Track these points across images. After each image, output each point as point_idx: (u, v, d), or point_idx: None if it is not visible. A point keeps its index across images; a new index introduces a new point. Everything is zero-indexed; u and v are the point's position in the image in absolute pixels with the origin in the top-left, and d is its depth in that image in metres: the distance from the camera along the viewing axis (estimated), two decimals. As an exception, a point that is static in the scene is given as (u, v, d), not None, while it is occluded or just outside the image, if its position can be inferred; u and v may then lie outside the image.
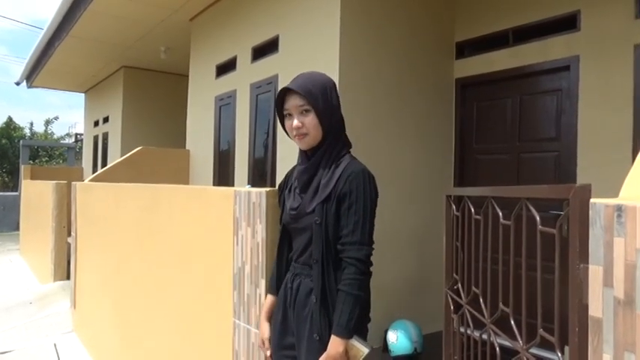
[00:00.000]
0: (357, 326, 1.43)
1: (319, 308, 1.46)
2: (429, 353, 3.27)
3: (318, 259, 1.47)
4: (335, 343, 1.40)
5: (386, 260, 3.61)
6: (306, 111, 1.49)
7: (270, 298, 1.72)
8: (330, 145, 1.52)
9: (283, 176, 1.77)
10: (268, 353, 1.68)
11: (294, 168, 1.67)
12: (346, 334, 1.40)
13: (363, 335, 1.48)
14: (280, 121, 1.60)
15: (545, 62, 3.56)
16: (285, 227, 1.64)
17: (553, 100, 3.56)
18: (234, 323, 2.10)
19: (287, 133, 1.58)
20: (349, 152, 1.57)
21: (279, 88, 1.68)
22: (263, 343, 1.70)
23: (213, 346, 2.33)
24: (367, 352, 1.41)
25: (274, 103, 1.60)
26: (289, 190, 1.63)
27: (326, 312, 1.46)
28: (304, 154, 1.58)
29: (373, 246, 1.48)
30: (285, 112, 1.55)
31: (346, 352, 1.41)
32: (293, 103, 1.50)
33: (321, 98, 1.49)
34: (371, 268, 1.47)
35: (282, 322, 1.62)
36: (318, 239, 1.46)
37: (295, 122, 1.50)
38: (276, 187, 1.78)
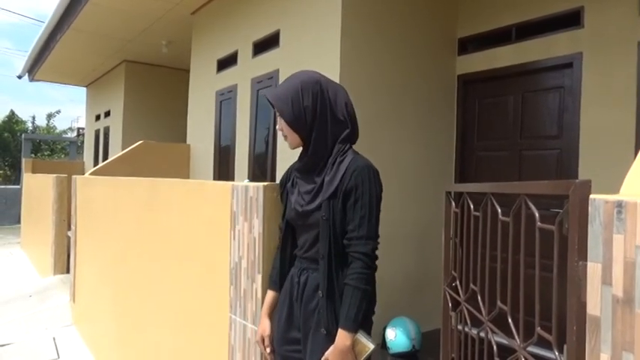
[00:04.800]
0: (363, 321, 1.44)
1: (326, 303, 1.46)
2: (428, 350, 3.26)
3: (324, 255, 1.47)
4: (342, 337, 1.40)
5: (385, 257, 3.57)
6: (280, 116, 1.55)
7: (271, 293, 1.70)
8: (316, 142, 1.51)
9: (284, 172, 1.76)
10: (268, 350, 1.66)
11: (295, 163, 1.67)
12: (354, 328, 1.41)
13: (367, 329, 1.48)
14: None
15: (547, 59, 3.53)
16: (288, 223, 1.63)
17: (555, 98, 3.53)
18: (231, 318, 2.09)
19: None
20: (351, 147, 1.56)
21: (280, 82, 1.66)
22: (262, 340, 1.67)
23: (210, 341, 2.32)
24: (373, 348, 1.42)
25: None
26: (292, 185, 1.63)
27: (332, 307, 1.46)
28: (304, 150, 1.58)
29: (378, 240, 1.48)
30: None
31: (352, 346, 1.41)
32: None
33: (291, 101, 1.50)
34: (376, 262, 1.47)
35: (287, 317, 1.60)
36: (325, 235, 1.46)
37: (277, 126, 1.58)
38: (277, 182, 1.78)
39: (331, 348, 1.42)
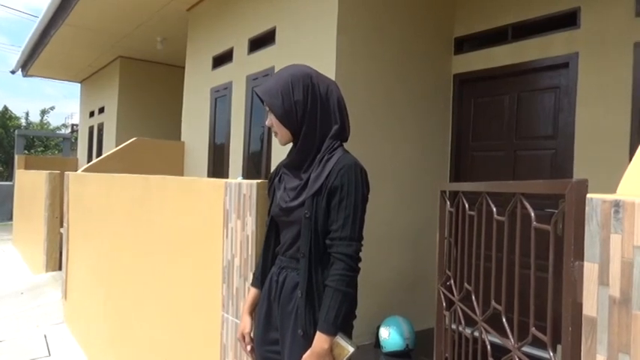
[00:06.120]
0: (343, 324, 1.40)
1: (304, 303, 1.42)
2: (421, 350, 3.25)
3: (305, 254, 1.43)
4: (320, 340, 1.36)
5: (380, 256, 3.59)
6: (269, 111, 1.51)
7: (253, 291, 1.67)
8: (305, 138, 1.47)
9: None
10: (249, 348, 1.64)
11: (284, 159, 1.64)
12: (332, 331, 1.36)
13: (348, 333, 1.43)
14: None
15: (544, 59, 3.53)
16: (273, 219, 1.60)
17: (551, 98, 3.53)
18: (223, 317, 2.07)
19: None
20: (341, 145, 1.52)
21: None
22: (243, 338, 1.66)
23: (202, 340, 2.30)
24: (352, 352, 1.37)
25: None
26: (279, 181, 1.60)
27: (311, 307, 1.42)
28: (293, 146, 1.55)
29: (362, 242, 1.44)
30: None
31: (330, 349, 1.37)
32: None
33: (281, 96, 1.46)
34: (359, 265, 1.43)
35: (266, 316, 1.57)
36: (307, 233, 1.42)
37: (267, 121, 1.54)
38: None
39: (308, 352, 1.38)
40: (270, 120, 1.52)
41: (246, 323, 1.66)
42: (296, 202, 1.46)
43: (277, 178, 1.61)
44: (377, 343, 3.35)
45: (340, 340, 1.38)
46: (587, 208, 0.87)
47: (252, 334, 1.65)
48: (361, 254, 1.44)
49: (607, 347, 0.82)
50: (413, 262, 3.83)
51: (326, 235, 1.43)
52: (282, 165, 1.59)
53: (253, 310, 1.67)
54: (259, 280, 1.65)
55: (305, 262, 1.42)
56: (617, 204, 0.81)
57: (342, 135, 1.52)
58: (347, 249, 1.38)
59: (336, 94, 1.52)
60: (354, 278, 1.41)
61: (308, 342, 1.39)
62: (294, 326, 1.45)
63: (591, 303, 0.86)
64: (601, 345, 0.83)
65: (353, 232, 1.39)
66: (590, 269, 0.86)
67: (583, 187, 0.99)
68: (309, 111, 1.47)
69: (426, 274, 3.73)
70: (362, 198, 1.42)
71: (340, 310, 1.36)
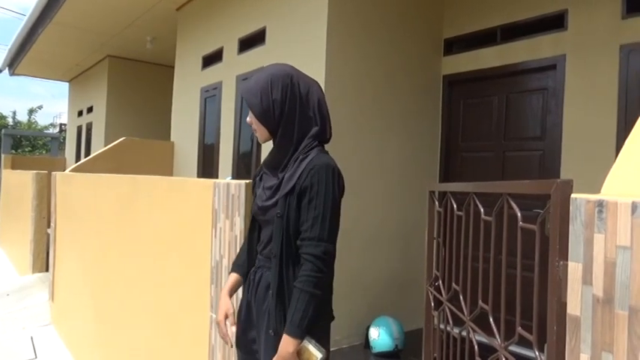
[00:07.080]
0: (312, 326, 1.36)
1: (275, 304, 1.41)
2: (411, 350, 3.26)
3: (276, 254, 1.42)
4: (285, 343, 1.33)
5: (370, 257, 3.60)
6: (249, 109, 1.51)
7: (233, 275, 1.64)
8: (282, 137, 1.47)
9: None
10: (233, 329, 1.58)
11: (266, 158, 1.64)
12: (298, 334, 1.33)
13: (319, 337, 1.39)
14: None
15: (532, 61, 3.56)
16: (254, 218, 1.60)
17: (539, 99, 3.56)
18: (212, 318, 2.06)
19: None
20: (321, 146, 1.51)
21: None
22: (224, 320, 1.56)
23: (190, 341, 2.28)
24: (321, 357, 1.33)
25: None
26: (260, 179, 1.60)
27: (282, 308, 1.41)
28: (273, 146, 1.55)
29: (334, 243, 1.41)
30: None
31: (299, 354, 1.33)
32: None
33: (260, 95, 1.46)
34: (330, 266, 1.41)
35: (246, 315, 1.56)
36: (278, 233, 1.42)
37: (247, 119, 1.54)
38: None
39: (276, 355, 1.35)
40: (251, 118, 1.52)
41: (227, 305, 1.59)
42: (270, 202, 1.46)
43: (259, 177, 1.61)
44: (366, 344, 3.36)
45: (309, 345, 1.33)
46: (571, 208, 0.88)
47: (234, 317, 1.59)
48: (338, 255, 1.42)
49: (590, 346, 0.83)
50: (402, 262, 3.84)
51: (297, 235, 1.42)
52: (263, 163, 1.59)
53: (233, 294, 1.63)
54: (239, 267, 1.62)
55: (276, 262, 1.42)
56: (600, 204, 0.81)
57: (322, 136, 1.51)
58: (315, 249, 1.36)
59: (317, 96, 1.50)
60: (323, 280, 1.37)
61: (279, 342, 1.36)
62: (267, 326, 1.44)
63: (575, 302, 0.86)
64: (585, 344, 0.84)
65: (322, 233, 1.37)
66: (574, 269, 0.87)
67: (568, 187, 1.00)
68: (287, 111, 1.46)
69: (416, 274, 3.75)
70: (333, 199, 1.40)
71: (306, 312, 1.33)
